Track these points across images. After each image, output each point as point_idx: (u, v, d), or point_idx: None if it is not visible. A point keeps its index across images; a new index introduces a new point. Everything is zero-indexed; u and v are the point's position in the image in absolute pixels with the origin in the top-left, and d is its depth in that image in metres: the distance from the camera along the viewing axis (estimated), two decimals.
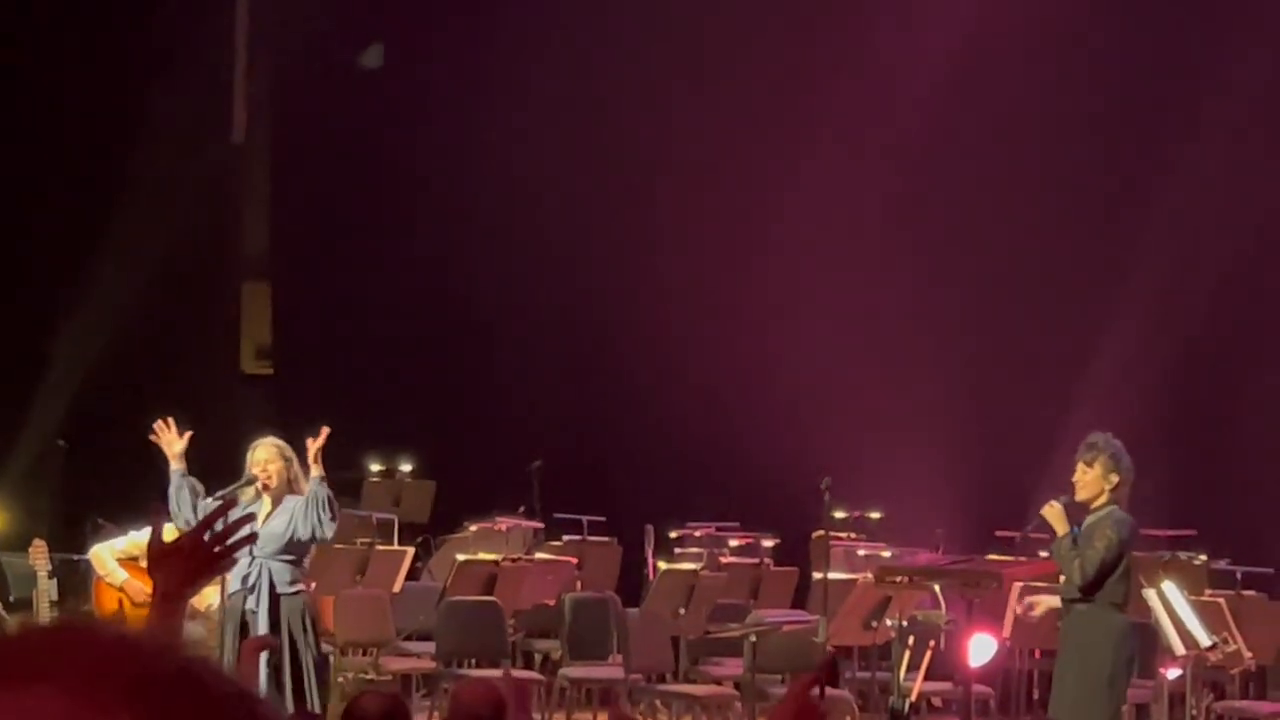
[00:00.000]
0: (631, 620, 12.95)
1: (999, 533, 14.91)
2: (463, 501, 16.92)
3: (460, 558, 13.88)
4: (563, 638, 13.43)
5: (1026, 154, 17.70)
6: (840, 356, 17.57)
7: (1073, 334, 17.30)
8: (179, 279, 18.39)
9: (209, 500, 10.25)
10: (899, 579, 11.03)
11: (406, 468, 18.79)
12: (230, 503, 6.81)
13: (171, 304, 18.39)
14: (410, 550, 14.24)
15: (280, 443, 10.53)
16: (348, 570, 13.09)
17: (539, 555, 14.80)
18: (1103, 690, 9.71)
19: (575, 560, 14.53)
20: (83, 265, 18.18)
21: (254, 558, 10.23)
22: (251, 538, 4.17)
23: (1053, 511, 9.89)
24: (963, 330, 17.64)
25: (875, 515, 16.62)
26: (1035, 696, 14.04)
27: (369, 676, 13.04)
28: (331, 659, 13.27)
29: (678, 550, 15.64)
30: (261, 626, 10.13)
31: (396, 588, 13.44)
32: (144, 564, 11.81)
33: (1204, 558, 14.63)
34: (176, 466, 10.52)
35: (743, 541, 15.89)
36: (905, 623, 11.19)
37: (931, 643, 11.12)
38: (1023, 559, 12.62)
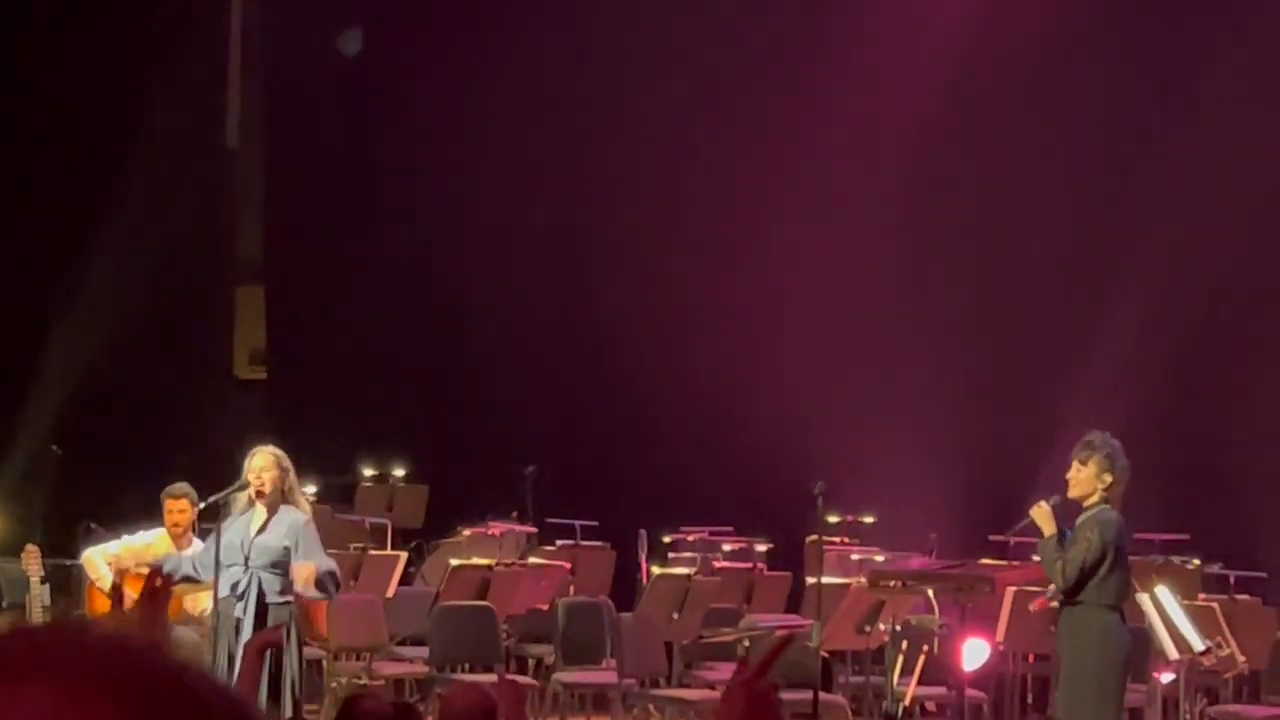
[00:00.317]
0: (625, 625, 12.94)
1: (992, 537, 14.91)
2: (456, 506, 16.92)
3: (454, 562, 13.87)
4: (556, 643, 13.42)
5: (1020, 160, 17.69)
6: (833, 361, 17.57)
7: (1066, 339, 17.31)
8: (173, 283, 18.39)
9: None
10: (892, 584, 11.03)
11: (400, 472, 18.79)
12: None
13: (165, 308, 18.38)
14: (403, 555, 14.24)
15: (279, 452, 10.50)
16: (341, 575, 13.07)
17: (532, 560, 14.80)
18: (1095, 689, 9.72)
19: (568, 565, 14.53)
20: (76, 269, 18.17)
21: (248, 567, 10.23)
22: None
23: (1040, 512, 9.89)
24: (956, 335, 17.64)
25: (869, 520, 16.62)
26: (1029, 701, 14.05)
27: (362, 681, 13.03)
28: (324, 664, 13.28)
29: (671, 555, 15.64)
30: (247, 635, 10.12)
31: (390, 592, 13.44)
32: (136, 569, 11.83)
33: (1197, 562, 14.64)
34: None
35: (736, 546, 15.89)
36: (899, 627, 11.19)
37: (925, 647, 11.12)
38: (1016, 563, 12.63)
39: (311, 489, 14.47)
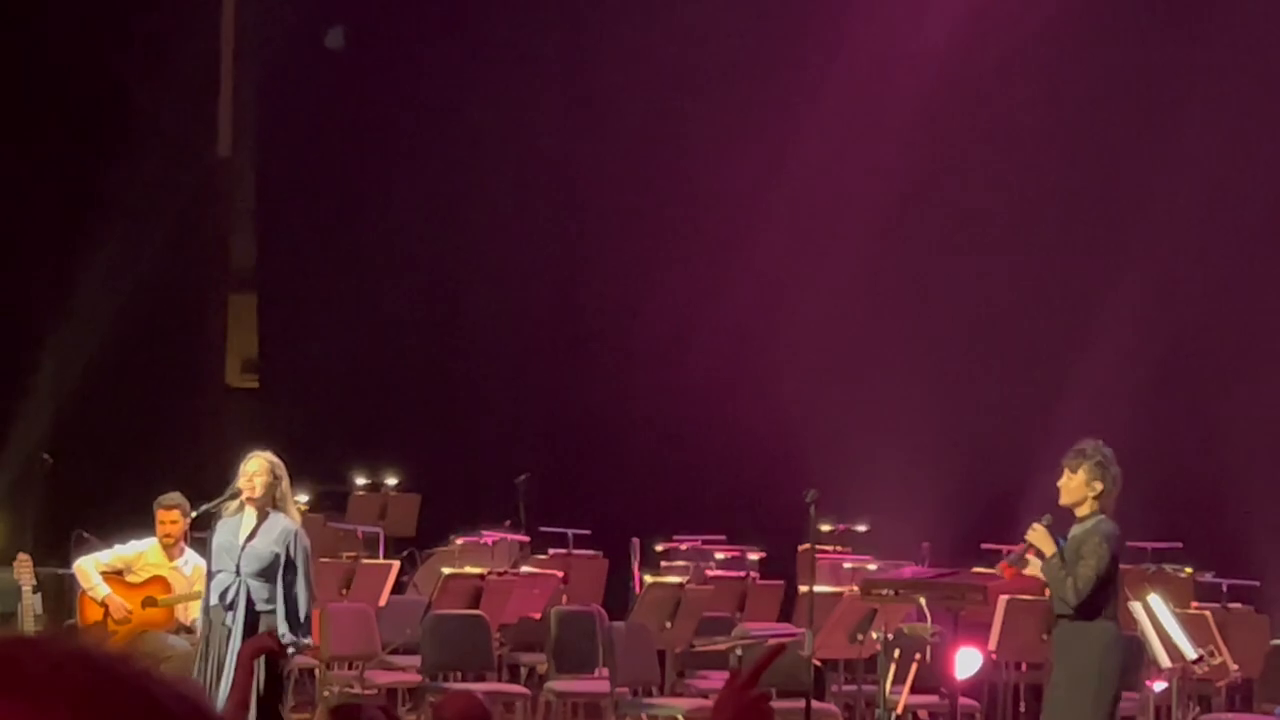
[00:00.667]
0: (617, 634, 12.92)
1: (985, 545, 14.91)
2: (448, 515, 16.90)
3: (446, 571, 13.86)
4: (549, 651, 13.41)
5: (1011, 169, 17.70)
6: (826, 370, 17.58)
7: (1058, 347, 17.30)
8: (165, 291, 18.38)
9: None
10: (885, 592, 11.01)
11: (392, 481, 18.77)
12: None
13: (157, 317, 18.37)
14: (396, 564, 14.23)
15: (274, 459, 10.50)
16: (333, 583, 13.07)
17: (525, 569, 14.78)
18: (1092, 700, 9.71)
19: (561, 574, 14.51)
20: (68, 278, 18.16)
21: (239, 574, 10.22)
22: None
23: (1037, 534, 9.87)
24: (948, 343, 17.64)
25: (861, 528, 16.61)
26: (1022, 709, 14.04)
27: (354, 690, 13.02)
28: (316, 673, 13.27)
29: (664, 563, 15.62)
30: (237, 644, 10.11)
31: (382, 601, 13.43)
32: (128, 578, 11.83)
33: (1189, 570, 14.63)
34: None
35: (729, 555, 15.87)
36: (891, 636, 11.17)
37: (917, 655, 11.10)
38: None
39: (304, 498, 14.47)
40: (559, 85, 19.43)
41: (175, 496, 11.93)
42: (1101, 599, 9.76)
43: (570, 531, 15.88)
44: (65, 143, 18.29)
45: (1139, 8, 17.89)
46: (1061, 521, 10.03)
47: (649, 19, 19.00)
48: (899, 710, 11.29)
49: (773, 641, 11.11)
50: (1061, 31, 17.74)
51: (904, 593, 10.93)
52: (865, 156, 17.97)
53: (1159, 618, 10.46)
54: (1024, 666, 13.76)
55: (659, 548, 15.99)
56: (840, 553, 15.85)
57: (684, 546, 16.09)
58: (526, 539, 16.37)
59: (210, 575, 10.29)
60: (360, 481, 18.75)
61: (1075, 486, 9.84)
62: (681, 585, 13.76)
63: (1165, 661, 10.41)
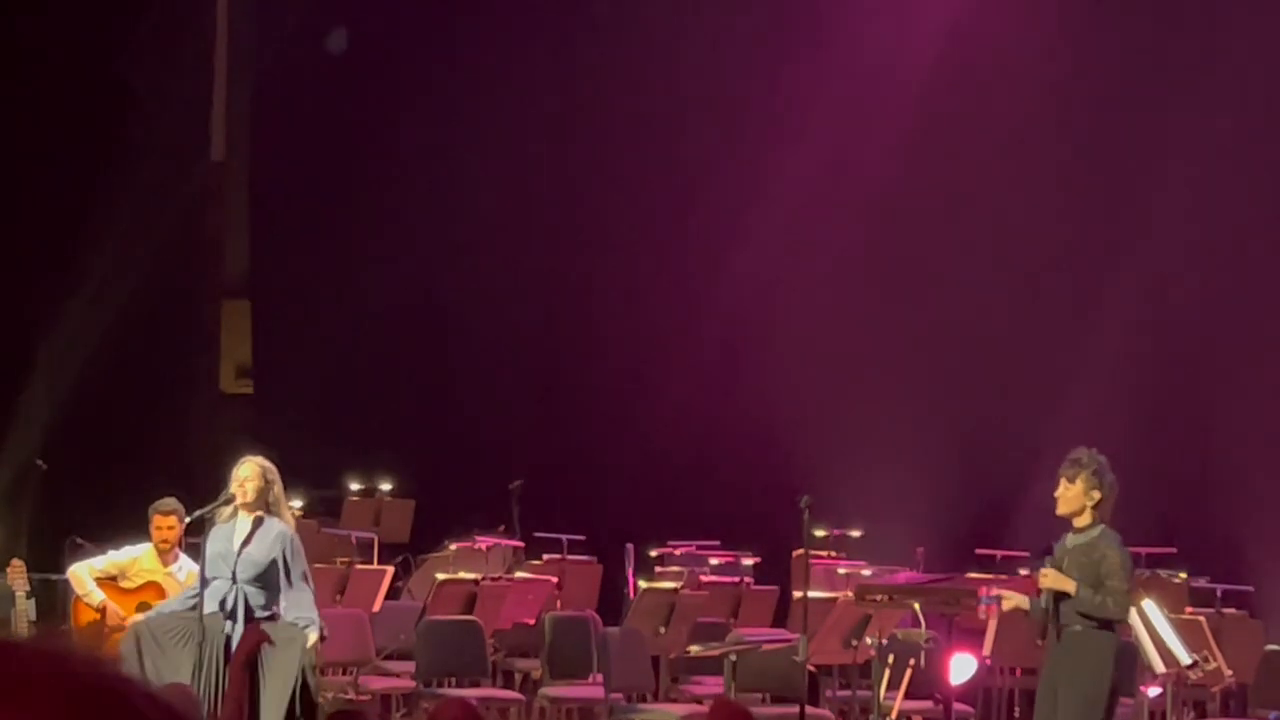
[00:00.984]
0: (611, 639, 12.92)
1: (979, 551, 14.93)
2: (442, 520, 16.90)
3: (440, 577, 13.86)
4: (543, 657, 13.40)
5: (1005, 174, 17.70)
6: (820, 375, 17.58)
7: (1053, 354, 17.31)
8: (159, 297, 18.38)
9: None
10: (879, 597, 11.01)
11: (386, 487, 18.77)
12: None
13: (151, 322, 18.37)
14: (390, 569, 14.22)
15: (266, 463, 10.50)
16: (327, 589, 13.06)
17: (519, 574, 14.78)
18: (1100, 709, 9.71)
19: (555, 579, 14.51)
20: (62, 284, 18.15)
21: (235, 583, 10.20)
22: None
23: (1050, 578, 9.78)
24: (943, 350, 17.64)
25: (855, 534, 16.62)
26: (1016, 714, 14.04)
27: (348, 696, 13.01)
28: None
29: (658, 569, 15.62)
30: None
31: (376, 607, 13.41)
32: (122, 584, 11.82)
33: (1184, 576, 14.63)
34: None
35: (723, 560, 15.88)
36: (885, 641, 11.17)
37: (912, 661, 11.10)
38: (1003, 577, 12.61)
39: (298, 503, 14.46)
40: (552, 91, 19.42)
41: (172, 502, 11.92)
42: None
43: (564, 537, 15.88)
44: (60, 148, 18.28)
45: (1130, 17, 17.89)
46: (1055, 530, 10.02)
47: (642, 19, 19.00)
48: (893, 716, 11.28)
49: (768, 646, 11.12)
50: (1055, 38, 17.74)
51: (898, 598, 10.93)
52: (857, 165, 17.97)
53: (1154, 623, 10.46)
54: (1018, 672, 13.76)
55: (653, 553, 15.99)
56: (834, 558, 15.86)
57: (678, 552, 16.10)
58: (521, 544, 16.37)
59: (205, 582, 10.26)
60: (354, 487, 18.74)
61: (1073, 496, 9.83)
62: (676, 591, 13.76)
63: (1160, 667, 10.41)
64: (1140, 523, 13.02)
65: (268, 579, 10.28)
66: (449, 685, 13.32)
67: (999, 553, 14.88)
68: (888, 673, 11.05)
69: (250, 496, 10.29)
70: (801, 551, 12.71)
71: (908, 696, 11.44)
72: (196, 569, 10.82)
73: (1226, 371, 16.91)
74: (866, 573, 14.54)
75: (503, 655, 14.29)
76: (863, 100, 18.06)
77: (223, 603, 10.23)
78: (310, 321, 19.02)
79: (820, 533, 15.54)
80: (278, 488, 10.45)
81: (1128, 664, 10.73)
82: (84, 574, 11.98)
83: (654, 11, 19.05)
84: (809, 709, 11.66)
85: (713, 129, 18.84)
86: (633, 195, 18.96)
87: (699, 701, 13.00)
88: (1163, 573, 14.60)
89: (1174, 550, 15.01)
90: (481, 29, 19.50)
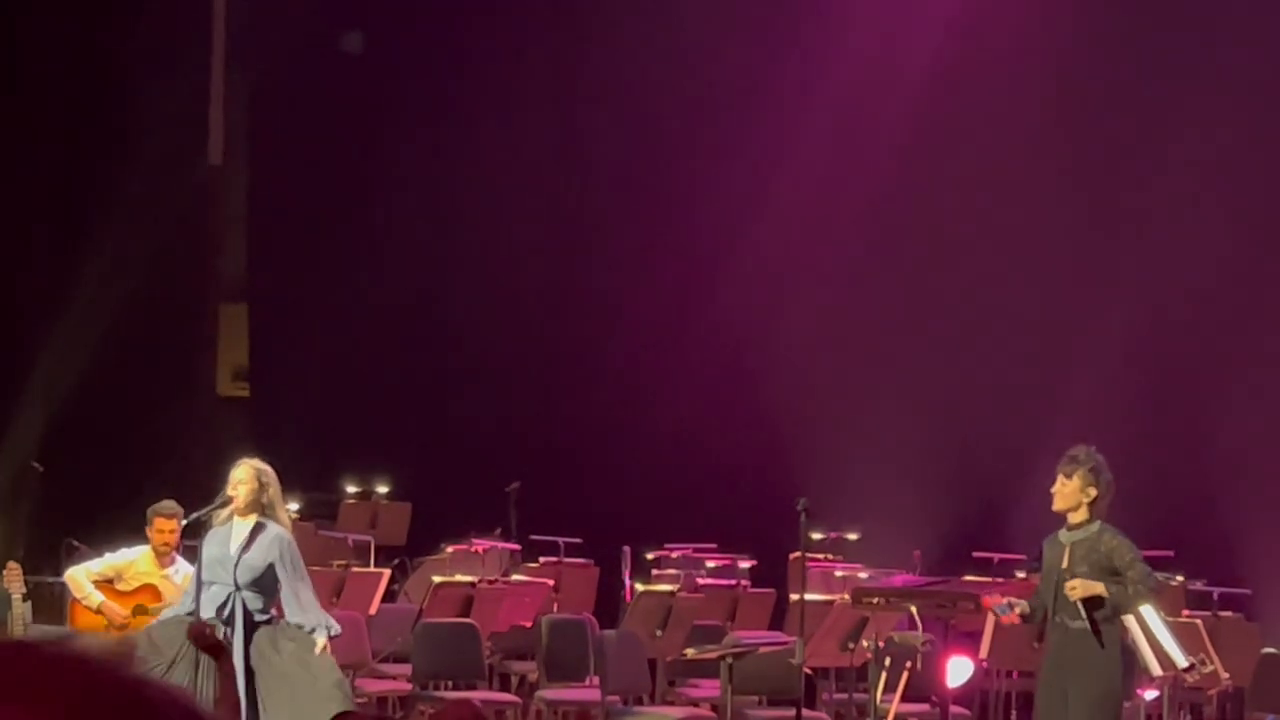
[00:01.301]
0: (608, 642, 12.91)
1: (976, 554, 14.93)
2: (439, 523, 16.90)
3: (437, 579, 13.85)
4: (539, 660, 13.40)
5: (1001, 178, 17.71)
6: (817, 378, 17.58)
7: (1049, 356, 17.31)
8: (156, 300, 18.38)
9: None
10: (876, 600, 11.01)
11: (383, 490, 18.77)
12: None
13: (149, 325, 18.37)
14: (387, 572, 14.22)
15: (262, 465, 10.47)
16: (324, 592, 13.04)
17: (516, 577, 14.77)
18: (1112, 706, 9.72)
19: (552, 582, 14.51)
20: (60, 287, 18.15)
21: (238, 588, 10.18)
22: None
23: (1080, 588, 9.76)
24: (940, 352, 17.64)
25: (852, 536, 16.62)
26: (1012, 717, 14.04)
27: None
28: None
29: (655, 572, 15.62)
30: (238, 655, 10.09)
31: (373, 610, 13.41)
32: (119, 586, 11.81)
33: (1181, 578, 14.63)
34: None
35: (720, 563, 15.87)
36: (882, 644, 11.17)
37: (908, 664, 11.09)
38: (999, 579, 12.62)
39: (294, 506, 14.45)
40: (551, 94, 19.43)
41: (172, 504, 11.90)
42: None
43: (561, 540, 15.88)
44: (57, 151, 18.28)
45: (1126, 23, 17.90)
46: (1049, 526, 10.02)
47: (643, 13, 18.99)
48: (890, 718, 11.28)
49: (765, 649, 11.12)
50: (1055, 38, 17.75)
51: (895, 601, 10.93)
52: (856, 168, 17.98)
53: (1150, 626, 10.45)
54: (1015, 674, 13.75)
55: (650, 556, 15.99)
56: (831, 561, 15.86)
57: (675, 555, 16.10)
58: (517, 547, 16.37)
59: (202, 587, 10.23)
60: (351, 490, 18.74)
61: (1070, 493, 9.84)
62: (672, 593, 13.75)
63: (1156, 670, 10.40)
64: (1137, 526, 13.01)
65: (265, 583, 10.26)
66: (445, 688, 13.31)
67: (996, 556, 14.89)
68: (884, 675, 11.05)
69: (244, 499, 10.27)
70: (798, 554, 12.70)
71: (904, 699, 11.42)
72: (192, 571, 10.81)
73: (1224, 375, 16.90)
74: (863, 575, 14.55)
75: (499, 658, 14.29)
76: (862, 105, 18.06)
77: (220, 608, 10.21)
78: (307, 325, 19.02)
79: (817, 535, 15.54)
80: (273, 490, 10.43)
81: (1125, 666, 10.72)
82: (81, 577, 11.97)
83: (655, 13, 19.05)
84: (806, 712, 11.65)
85: (712, 133, 18.84)
86: (630, 198, 18.96)
87: (695, 704, 13.00)
88: (1159, 575, 14.59)
89: (1171, 553, 15.00)
90: (481, 30, 19.50)
